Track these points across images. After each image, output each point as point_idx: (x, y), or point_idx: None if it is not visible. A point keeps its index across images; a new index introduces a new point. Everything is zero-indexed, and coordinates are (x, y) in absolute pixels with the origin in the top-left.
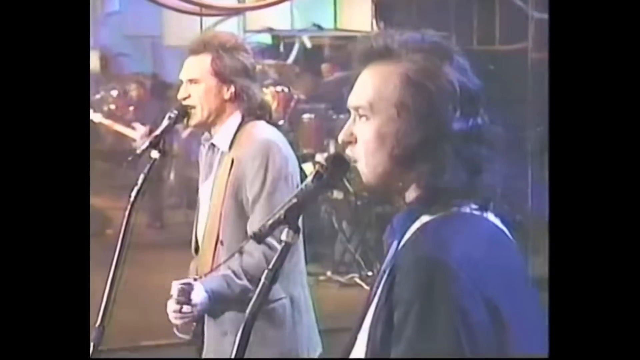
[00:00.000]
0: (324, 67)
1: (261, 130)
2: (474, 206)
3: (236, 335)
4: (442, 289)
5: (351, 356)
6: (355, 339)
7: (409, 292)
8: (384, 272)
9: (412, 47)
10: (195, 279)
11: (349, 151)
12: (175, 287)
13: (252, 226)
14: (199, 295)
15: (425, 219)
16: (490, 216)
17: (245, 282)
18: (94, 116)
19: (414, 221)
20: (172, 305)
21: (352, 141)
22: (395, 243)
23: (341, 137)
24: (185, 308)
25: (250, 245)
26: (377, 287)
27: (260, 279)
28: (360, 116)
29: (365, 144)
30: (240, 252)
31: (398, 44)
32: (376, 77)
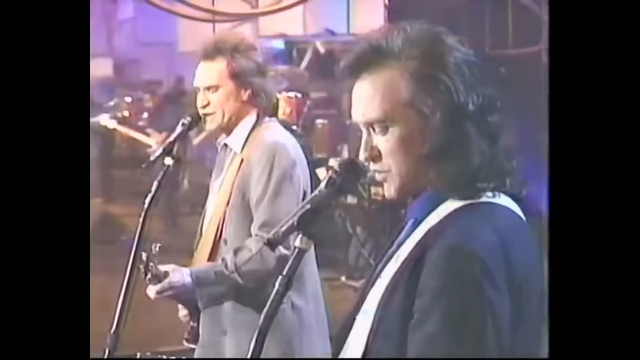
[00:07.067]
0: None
1: (271, 132)
2: (491, 185)
3: (244, 332)
4: (473, 280)
5: (350, 339)
6: (354, 319)
7: (436, 283)
8: (392, 254)
9: (404, 44)
10: None
11: (377, 167)
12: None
13: (255, 226)
14: (183, 278)
15: (450, 205)
16: (506, 200)
17: (235, 275)
18: (109, 122)
19: (436, 205)
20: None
21: (377, 155)
22: (411, 222)
23: (364, 155)
24: (160, 287)
25: (248, 241)
26: (383, 267)
27: (253, 276)
28: (377, 129)
29: (393, 155)
30: (238, 247)
31: (388, 44)
32: (380, 86)
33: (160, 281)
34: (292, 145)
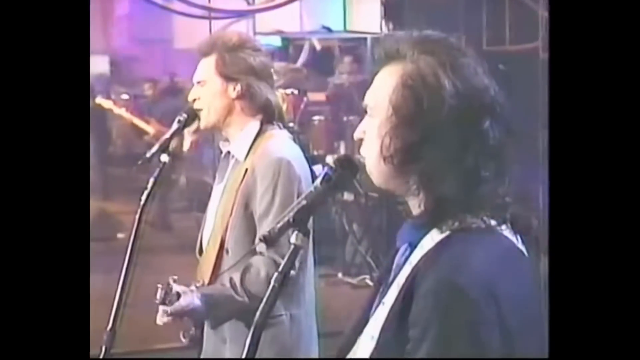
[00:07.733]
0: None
1: (276, 143)
2: (492, 222)
3: (245, 339)
4: (461, 316)
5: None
6: (355, 341)
7: (425, 316)
8: (393, 279)
9: (419, 49)
10: (197, 286)
11: (362, 149)
12: (160, 289)
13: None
14: (193, 301)
15: (436, 234)
16: (506, 231)
17: (245, 299)
18: (104, 102)
19: (423, 235)
20: (162, 307)
21: (362, 137)
22: (402, 249)
23: (355, 135)
24: (169, 309)
25: (257, 261)
26: (385, 292)
27: (259, 296)
28: (368, 115)
29: (369, 142)
30: (246, 267)
31: (408, 45)
32: (382, 77)
33: (172, 304)
34: (297, 160)
